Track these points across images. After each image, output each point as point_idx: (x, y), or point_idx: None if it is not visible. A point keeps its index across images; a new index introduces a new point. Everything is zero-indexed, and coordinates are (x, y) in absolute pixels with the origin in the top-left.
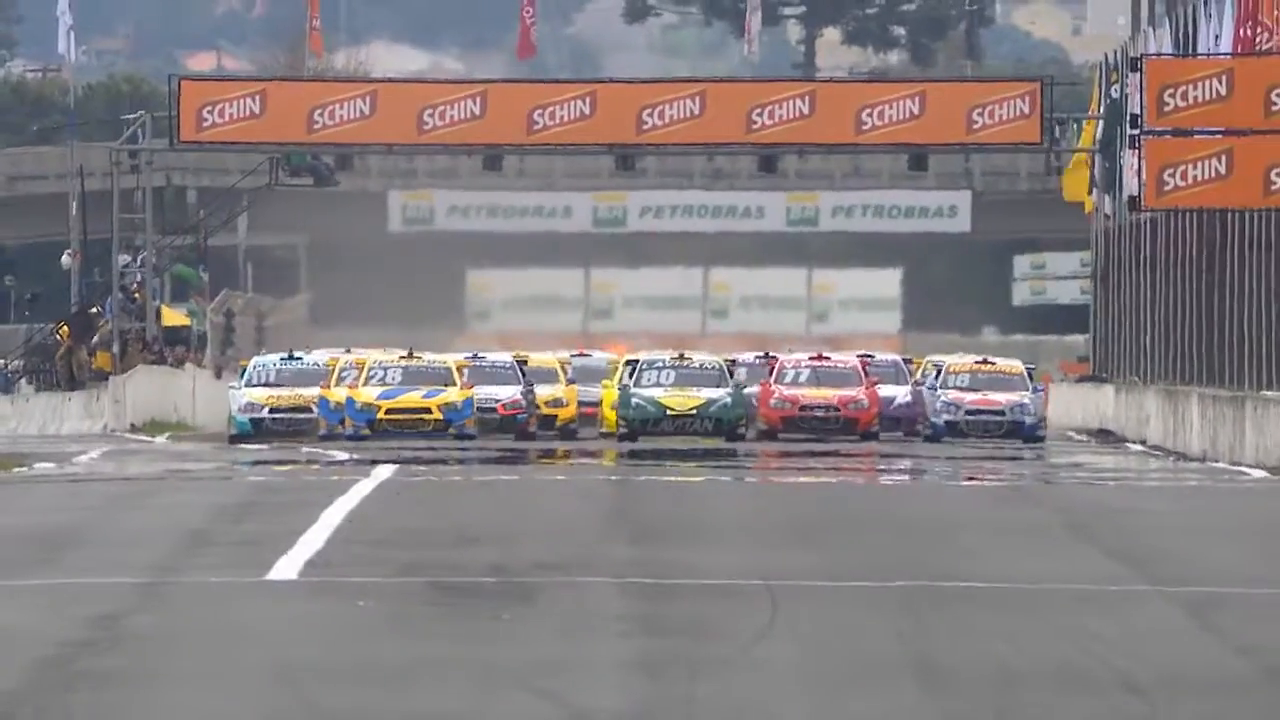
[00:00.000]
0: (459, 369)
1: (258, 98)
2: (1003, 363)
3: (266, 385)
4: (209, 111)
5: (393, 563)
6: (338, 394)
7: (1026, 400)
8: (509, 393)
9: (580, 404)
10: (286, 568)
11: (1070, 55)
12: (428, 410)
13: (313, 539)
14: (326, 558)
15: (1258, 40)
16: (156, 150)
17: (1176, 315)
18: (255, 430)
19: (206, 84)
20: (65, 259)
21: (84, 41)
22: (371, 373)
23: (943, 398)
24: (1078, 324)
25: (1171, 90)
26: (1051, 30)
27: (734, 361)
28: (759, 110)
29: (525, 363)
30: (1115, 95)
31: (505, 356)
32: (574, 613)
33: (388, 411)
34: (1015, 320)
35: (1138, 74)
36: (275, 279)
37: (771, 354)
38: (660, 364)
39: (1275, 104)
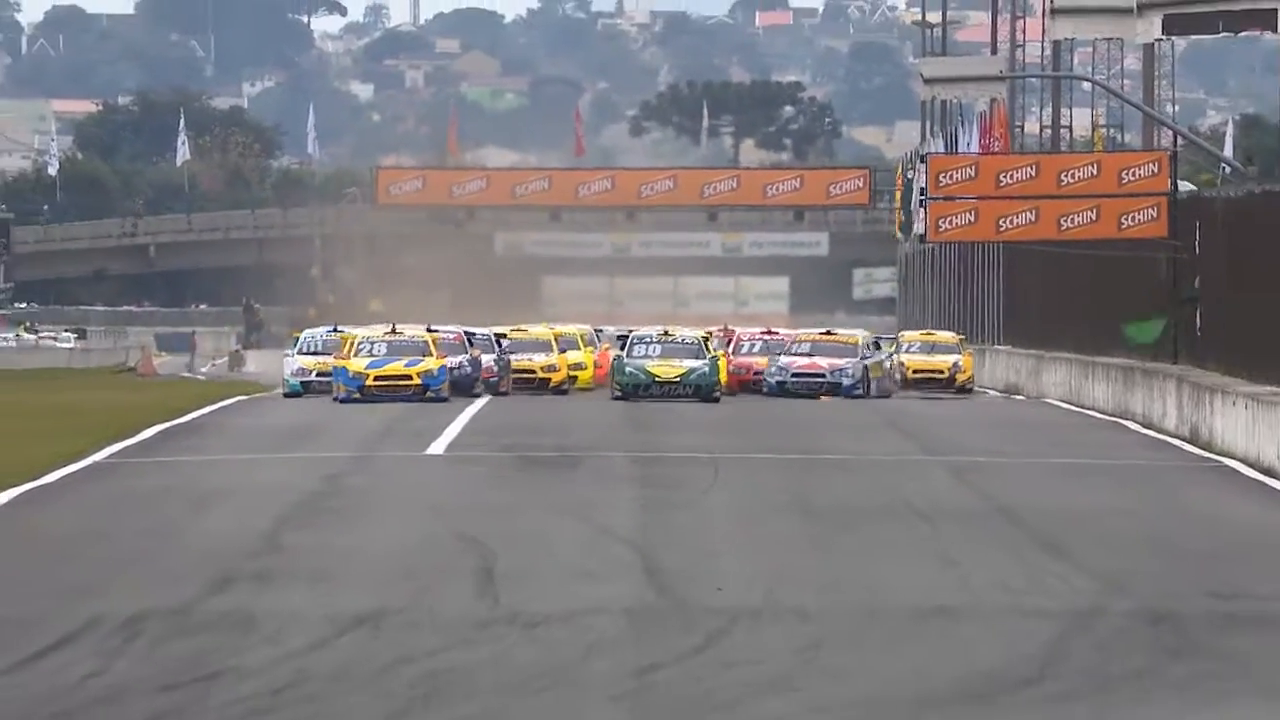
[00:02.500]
0: (434, 341)
1: (420, 179)
2: (844, 333)
3: (314, 354)
4: (393, 187)
5: (495, 444)
6: (355, 364)
7: (848, 365)
8: (455, 360)
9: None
10: (436, 448)
11: (885, 154)
12: (409, 377)
13: (448, 434)
14: (458, 443)
15: (991, 145)
16: (362, 208)
17: (944, 303)
18: (304, 390)
19: (392, 171)
20: (314, 271)
21: (324, 146)
22: (360, 346)
23: (779, 362)
24: (891, 309)
25: (943, 173)
26: (874, 140)
27: (709, 335)
28: (708, 185)
29: (504, 337)
30: (910, 176)
31: (456, 328)
32: (602, 472)
33: (375, 379)
34: (854, 308)
35: (924, 164)
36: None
37: (729, 328)
38: (649, 338)
39: (1064, 181)
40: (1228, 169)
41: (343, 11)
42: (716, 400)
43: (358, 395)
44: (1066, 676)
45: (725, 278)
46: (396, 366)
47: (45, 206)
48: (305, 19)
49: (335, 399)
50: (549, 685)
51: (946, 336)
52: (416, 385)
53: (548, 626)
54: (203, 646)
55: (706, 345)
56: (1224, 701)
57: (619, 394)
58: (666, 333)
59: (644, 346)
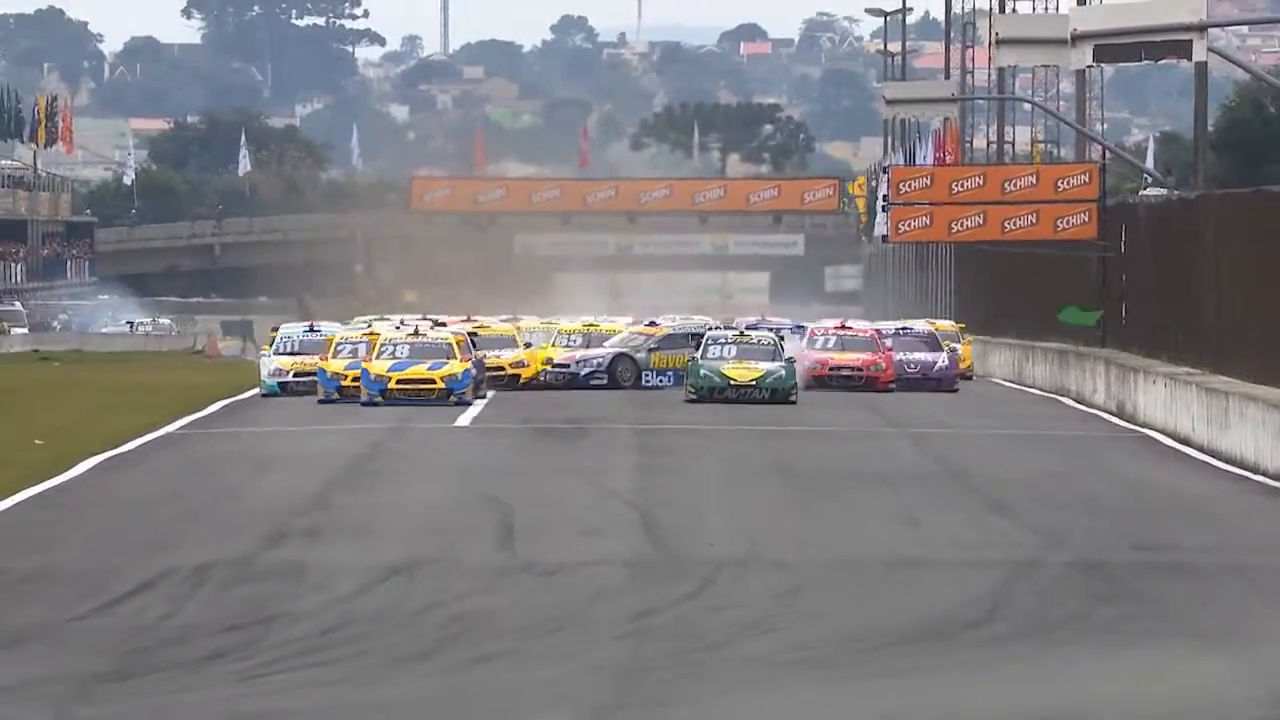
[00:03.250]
0: (458, 343)
1: (449, 188)
2: (858, 325)
3: (292, 354)
4: (426, 195)
5: (516, 418)
6: (333, 365)
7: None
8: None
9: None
10: (463, 421)
11: (853, 167)
12: (432, 381)
13: (473, 411)
14: (483, 417)
15: (945, 158)
16: (399, 213)
17: (902, 294)
18: (282, 391)
19: (424, 180)
20: (358, 268)
21: (366, 160)
22: (384, 348)
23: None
24: (857, 301)
25: (902, 183)
26: (842, 154)
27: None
28: (699, 194)
29: (475, 335)
30: (873, 184)
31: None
32: (607, 442)
33: (398, 382)
34: (827, 299)
35: (886, 175)
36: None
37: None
38: (724, 339)
39: (1008, 189)
40: (1149, 179)
41: (382, 42)
42: (793, 404)
43: (379, 399)
44: (1011, 619)
45: (713, 273)
46: (419, 370)
47: (133, 210)
48: (350, 49)
49: (360, 402)
50: (561, 627)
51: (947, 325)
52: (440, 389)
53: (559, 575)
54: (261, 593)
55: (781, 347)
56: (1148, 641)
57: (693, 396)
58: (742, 333)
59: (719, 348)
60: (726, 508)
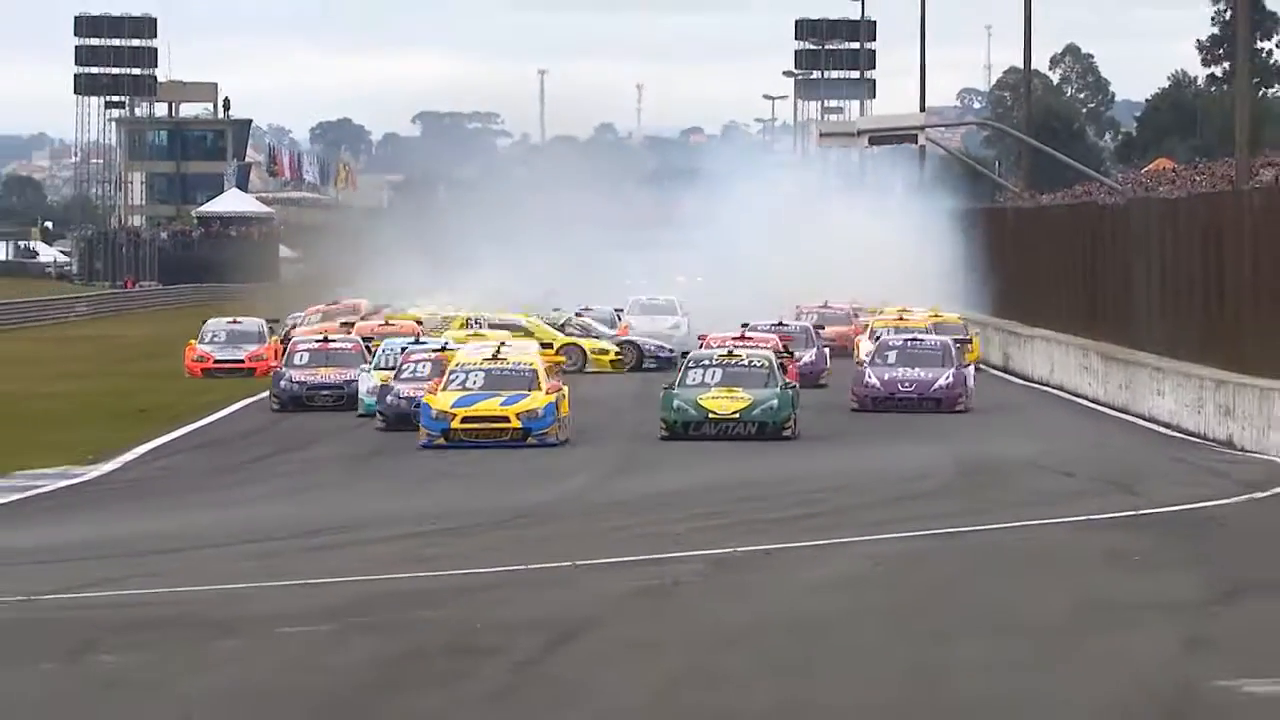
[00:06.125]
0: (546, 369)
1: None
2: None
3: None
4: None
5: None
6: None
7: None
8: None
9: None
10: None
11: None
12: (505, 419)
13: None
14: None
15: None
16: None
17: None
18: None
19: None
20: None
21: None
22: (452, 375)
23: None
24: None
25: None
26: None
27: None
28: None
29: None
30: None
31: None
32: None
33: (463, 420)
34: None
35: None
36: None
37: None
38: (708, 360)
39: None
40: None
41: None
42: (786, 439)
43: (441, 440)
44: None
45: None
46: (491, 404)
47: None
48: None
49: (420, 445)
50: None
51: (952, 318)
52: (515, 429)
53: None
54: None
55: (777, 369)
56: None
57: (666, 434)
58: (731, 353)
59: (700, 371)
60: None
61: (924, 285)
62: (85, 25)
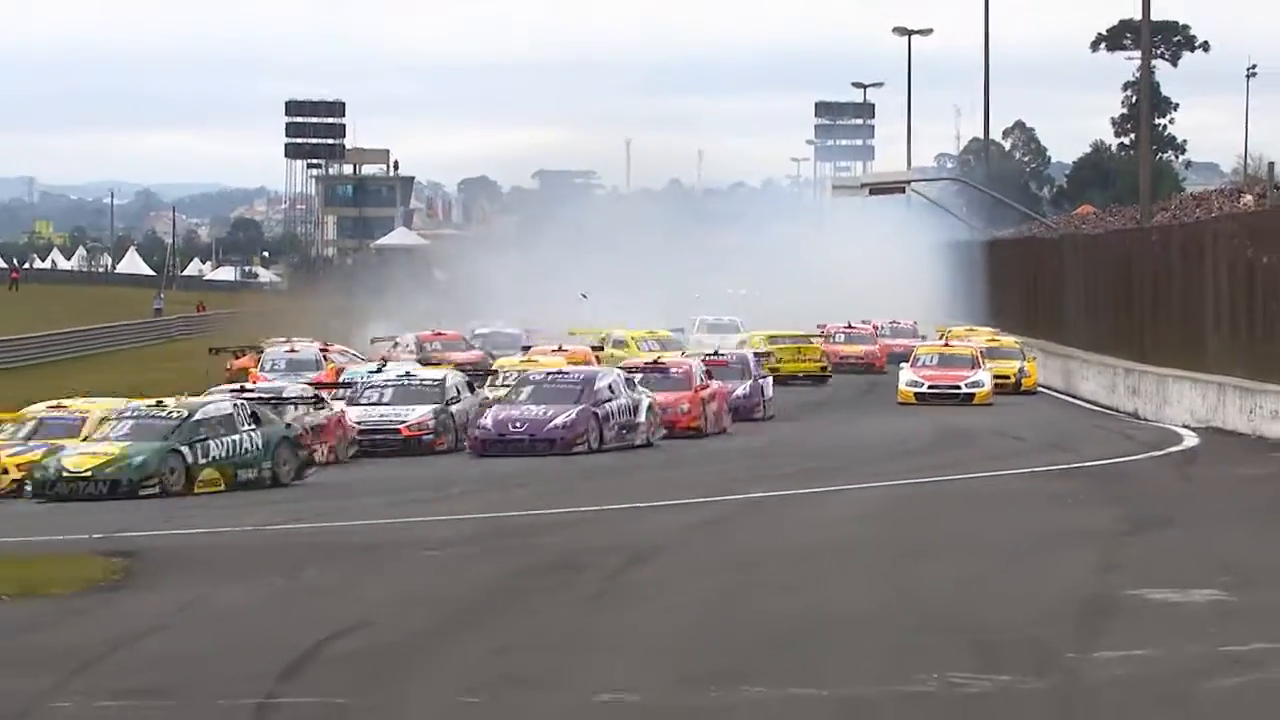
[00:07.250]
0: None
1: None
2: (959, 345)
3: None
4: None
5: None
6: None
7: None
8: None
9: None
10: None
11: None
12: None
13: None
14: None
15: None
16: None
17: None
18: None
19: None
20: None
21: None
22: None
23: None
24: None
25: None
26: None
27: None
28: None
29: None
30: None
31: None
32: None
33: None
34: None
35: None
36: None
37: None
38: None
39: None
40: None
41: None
42: (142, 497)
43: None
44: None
45: None
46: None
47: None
48: None
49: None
50: None
51: (965, 348)
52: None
53: None
54: None
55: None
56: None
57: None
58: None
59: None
60: None
61: (926, 303)
62: (293, 107)
